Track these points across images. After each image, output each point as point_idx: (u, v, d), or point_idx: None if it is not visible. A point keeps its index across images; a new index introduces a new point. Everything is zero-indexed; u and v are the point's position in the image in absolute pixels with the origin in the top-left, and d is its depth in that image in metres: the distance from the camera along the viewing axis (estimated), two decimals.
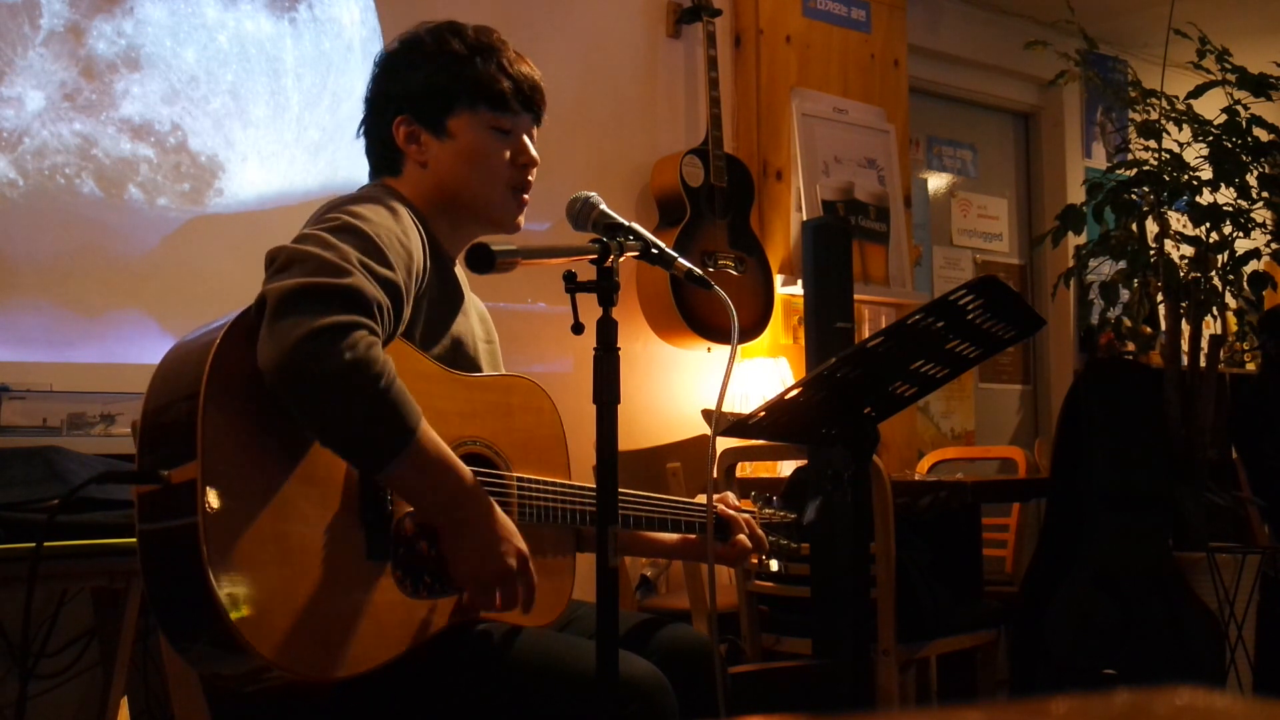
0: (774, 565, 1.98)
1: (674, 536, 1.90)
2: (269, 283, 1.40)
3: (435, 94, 1.74)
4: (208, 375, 1.36)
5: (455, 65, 1.75)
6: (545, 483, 1.68)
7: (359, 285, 1.40)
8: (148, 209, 3.00)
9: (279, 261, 1.42)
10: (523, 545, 1.54)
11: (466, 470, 1.49)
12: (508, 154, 1.78)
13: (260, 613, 1.35)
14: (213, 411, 1.36)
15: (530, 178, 1.81)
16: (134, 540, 1.45)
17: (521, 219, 1.83)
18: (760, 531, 1.92)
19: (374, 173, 1.82)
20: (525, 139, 1.80)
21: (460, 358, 1.71)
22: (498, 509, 1.52)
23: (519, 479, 1.66)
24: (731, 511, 1.90)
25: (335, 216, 1.52)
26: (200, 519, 1.32)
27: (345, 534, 1.45)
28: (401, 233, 1.57)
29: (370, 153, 1.82)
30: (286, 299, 1.36)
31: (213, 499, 1.34)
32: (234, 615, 1.32)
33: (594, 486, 1.70)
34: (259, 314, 1.39)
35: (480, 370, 1.76)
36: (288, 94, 3.25)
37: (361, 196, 1.64)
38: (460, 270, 1.83)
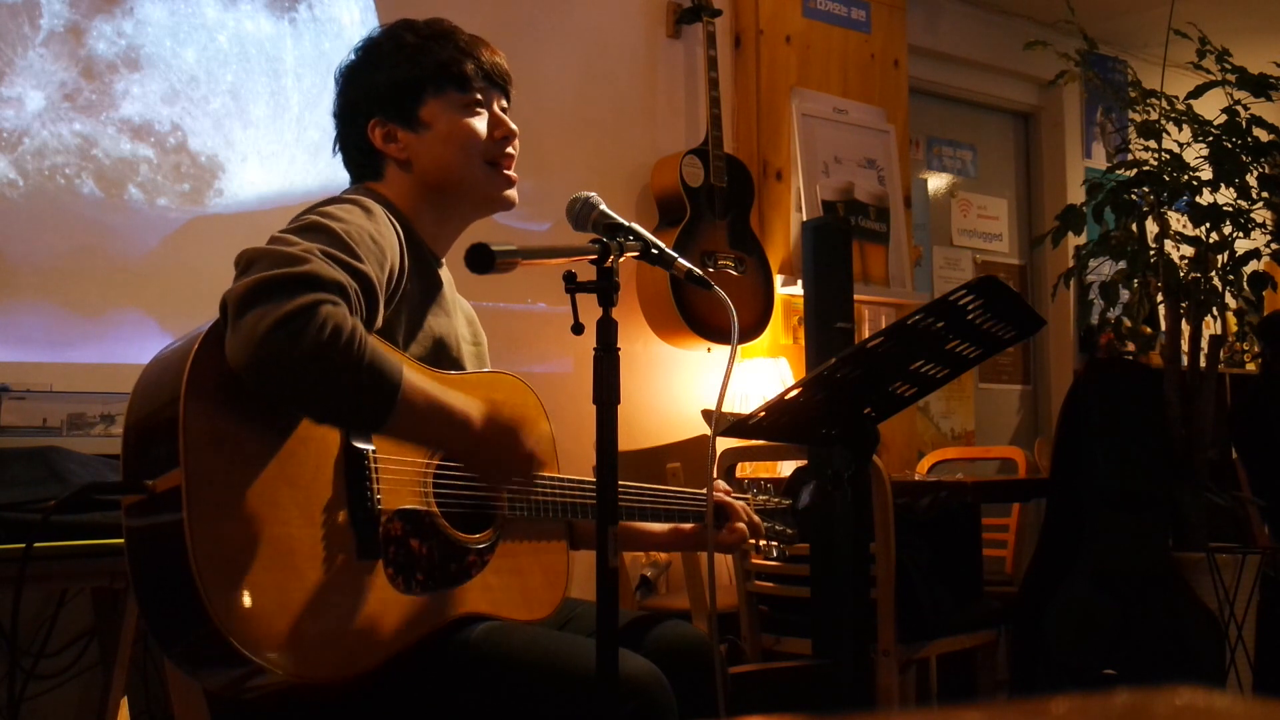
0: (773, 552, 1.99)
1: (669, 526, 1.91)
2: (231, 285, 1.40)
3: (401, 88, 1.76)
4: (186, 383, 1.36)
5: (413, 56, 1.76)
6: (538, 477, 1.68)
7: (316, 269, 1.39)
8: (148, 209, 3.00)
9: (241, 263, 1.42)
10: (525, 442, 1.56)
11: (454, 400, 1.50)
12: (484, 129, 1.78)
13: (251, 618, 1.34)
14: (193, 419, 1.36)
15: (511, 150, 1.81)
16: None
17: (512, 192, 1.82)
18: (756, 518, 1.92)
19: (356, 180, 1.83)
20: (499, 111, 1.81)
21: (443, 358, 1.71)
22: (494, 413, 1.54)
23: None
24: (727, 498, 1.91)
25: (305, 217, 1.53)
26: (186, 527, 1.32)
27: (335, 535, 1.45)
28: (374, 230, 1.57)
29: (349, 163, 1.83)
30: (245, 296, 1.35)
31: (198, 506, 1.33)
32: (225, 622, 1.31)
33: (582, 478, 1.72)
34: (224, 318, 1.38)
35: (463, 369, 1.76)
36: (288, 94, 3.25)
37: (337, 199, 1.64)
38: (445, 272, 1.83)
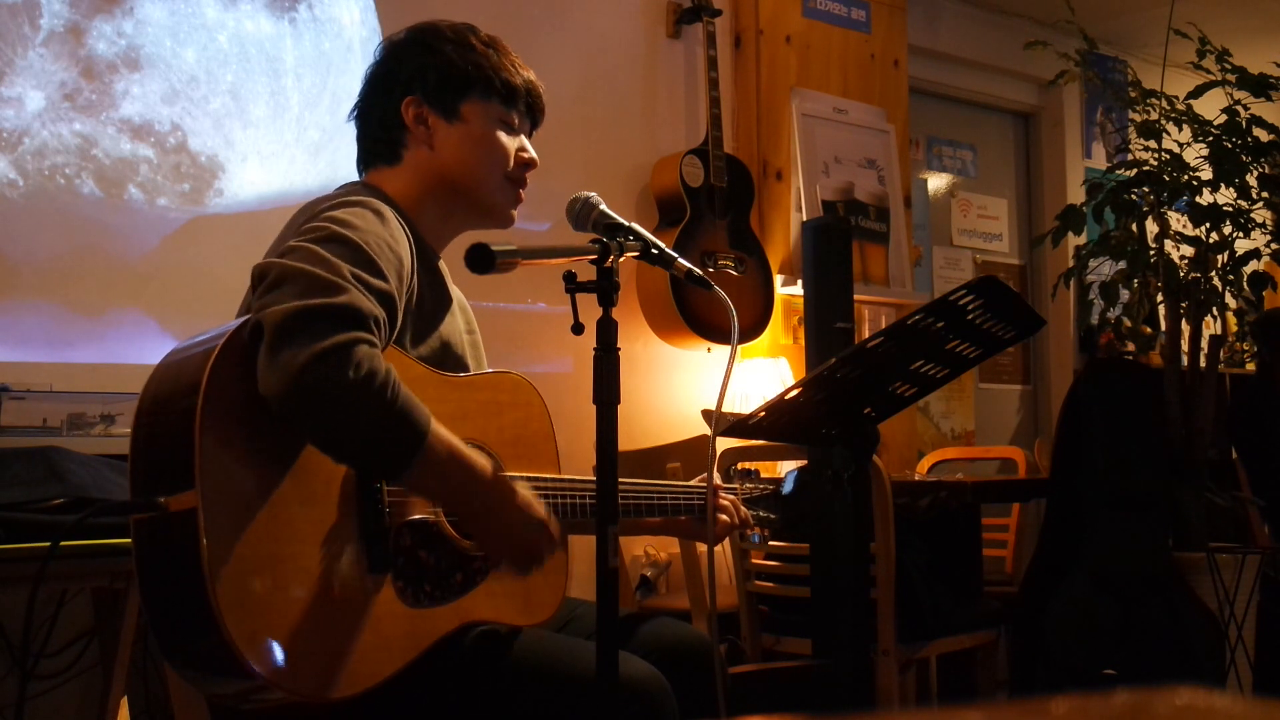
0: (754, 538, 2.00)
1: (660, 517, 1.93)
2: (261, 303, 1.39)
3: (451, 79, 1.77)
4: (203, 399, 1.35)
5: (473, 55, 1.79)
6: (538, 479, 1.68)
7: (355, 301, 1.39)
8: (148, 209, 3.00)
9: (270, 279, 1.40)
10: (540, 514, 1.56)
11: (477, 459, 1.50)
12: (512, 149, 1.80)
13: (261, 634, 1.34)
14: (209, 437, 1.35)
15: (527, 176, 1.84)
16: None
17: (515, 213, 1.85)
18: (745, 511, 1.93)
19: (367, 158, 1.82)
20: (525, 140, 1.84)
21: (448, 358, 1.71)
22: (513, 486, 1.54)
23: (511, 478, 1.66)
24: (718, 491, 1.93)
25: (321, 226, 1.50)
26: (203, 549, 1.31)
27: (345, 550, 1.45)
28: (389, 237, 1.56)
29: (366, 136, 1.82)
30: (285, 324, 1.35)
31: (213, 528, 1.33)
32: (235, 637, 1.31)
33: (584, 478, 1.72)
34: (253, 338, 1.37)
35: (466, 367, 1.76)
36: (288, 94, 3.25)
37: (344, 200, 1.61)
38: (443, 265, 1.83)
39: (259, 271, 1.43)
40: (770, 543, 2.11)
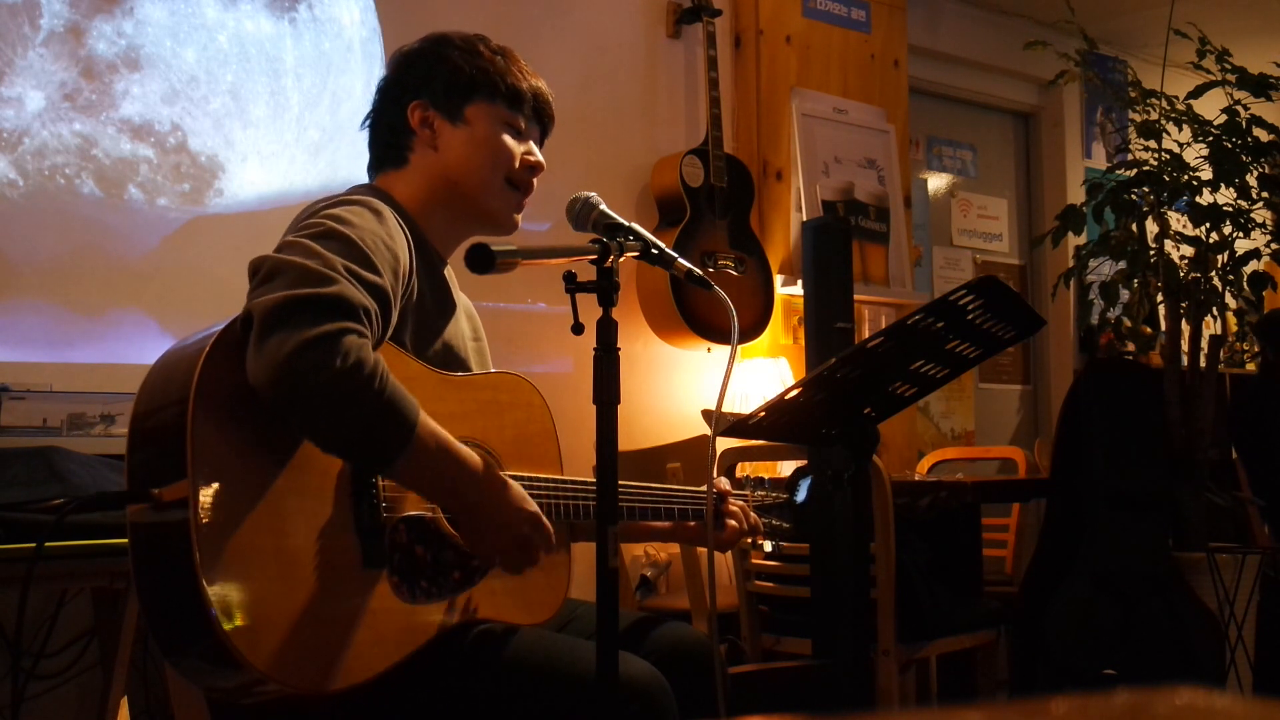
0: (768, 546, 1.98)
1: (667, 522, 1.92)
2: (253, 295, 1.39)
3: (457, 82, 1.79)
4: (195, 390, 1.35)
5: (480, 60, 1.80)
6: (539, 479, 1.68)
7: (344, 292, 1.40)
8: (148, 209, 3.00)
9: (262, 272, 1.41)
10: (533, 508, 1.56)
11: (467, 453, 1.50)
12: (518, 152, 1.81)
13: (256, 628, 1.34)
14: (201, 428, 1.35)
15: (534, 182, 1.84)
16: None
17: (519, 218, 1.85)
18: (755, 516, 1.93)
19: (376, 164, 1.83)
20: (533, 145, 1.84)
21: (451, 360, 1.72)
22: (506, 481, 1.54)
23: (512, 477, 1.66)
24: (726, 496, 1.92)
25: (318, 222, 1.52)
26: (193, 540, 1.31)
27: (340, 544, 1.45)
28: (387, 235, 1.57)
29: (376, 142, 1.83)
30: (273, 313, 1.35)
31: (204, 517, 1.33)
32: (229, 630, 1.31)
33: (586, 480, 1.71)
34: (245, 329, 1.38)
35: (470, 371, 1.76)
36: (288, 94, 3.25)
37: (345, 200, 1.63)
38: (449, 271, 1.84)
39: (253, 266, 1.44)
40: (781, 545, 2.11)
